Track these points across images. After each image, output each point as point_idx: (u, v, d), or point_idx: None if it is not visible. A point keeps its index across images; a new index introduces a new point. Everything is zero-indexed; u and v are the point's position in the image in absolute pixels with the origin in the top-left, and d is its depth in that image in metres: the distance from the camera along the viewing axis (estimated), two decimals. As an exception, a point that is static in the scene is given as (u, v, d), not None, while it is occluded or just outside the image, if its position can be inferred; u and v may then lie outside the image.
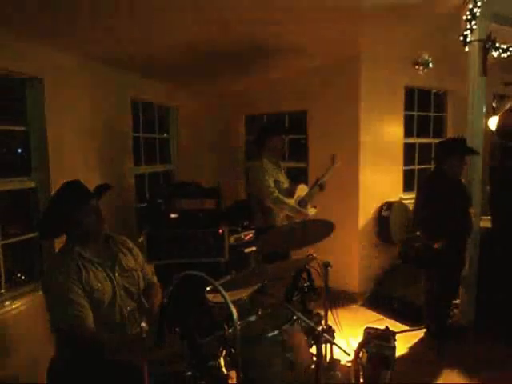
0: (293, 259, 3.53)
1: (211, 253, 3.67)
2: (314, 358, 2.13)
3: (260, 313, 2.16)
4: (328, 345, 2.62)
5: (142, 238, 3.69)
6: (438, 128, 5.69)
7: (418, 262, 4.15)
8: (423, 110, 5.53)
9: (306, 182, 4.27)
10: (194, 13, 2.99)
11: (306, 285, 2.54)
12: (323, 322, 2.58)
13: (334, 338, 2.38)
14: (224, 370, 1.90)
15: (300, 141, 5.42)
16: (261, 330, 2.02)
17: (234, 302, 1.55)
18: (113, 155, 4.12)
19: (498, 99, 5.79)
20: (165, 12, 2.88)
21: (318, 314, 2.48)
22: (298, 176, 5.02)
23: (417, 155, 5.51)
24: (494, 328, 3.82)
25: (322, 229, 2.52)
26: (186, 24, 3.20)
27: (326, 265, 2.60)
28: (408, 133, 5.33)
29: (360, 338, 2.80)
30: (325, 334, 2.03)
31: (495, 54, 4.03)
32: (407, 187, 5.31)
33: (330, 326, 2.47)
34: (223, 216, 3.96)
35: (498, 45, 3.96)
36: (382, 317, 4.30)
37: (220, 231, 3.67)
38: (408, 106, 5.26)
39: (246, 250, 3.97)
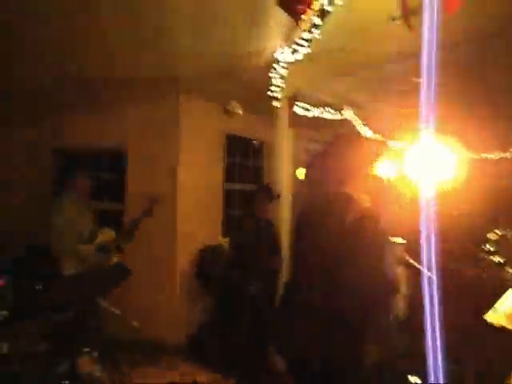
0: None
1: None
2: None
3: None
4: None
5: None
6: (256, 175, 6.03)
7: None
8: (243, 157, 5.81)
9: (119, 225, 3.95)
10: None
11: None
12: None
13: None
14: None
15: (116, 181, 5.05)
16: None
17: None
18: None
19: (307, 153, 6.47)
20: None
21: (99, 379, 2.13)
22: (112, 218, 4.62)
23: (236, 201, 5.70)
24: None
25: (117, 275, 2.25)
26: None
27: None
28: (229, 178, 5.50)
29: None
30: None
31: (300, 111, 4.52)
32: (227, 231, 5.37)
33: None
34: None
35: (301, 104, 4.46)
36: (200, 366, 4.14)
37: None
38: (230, 153, 5.47)
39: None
